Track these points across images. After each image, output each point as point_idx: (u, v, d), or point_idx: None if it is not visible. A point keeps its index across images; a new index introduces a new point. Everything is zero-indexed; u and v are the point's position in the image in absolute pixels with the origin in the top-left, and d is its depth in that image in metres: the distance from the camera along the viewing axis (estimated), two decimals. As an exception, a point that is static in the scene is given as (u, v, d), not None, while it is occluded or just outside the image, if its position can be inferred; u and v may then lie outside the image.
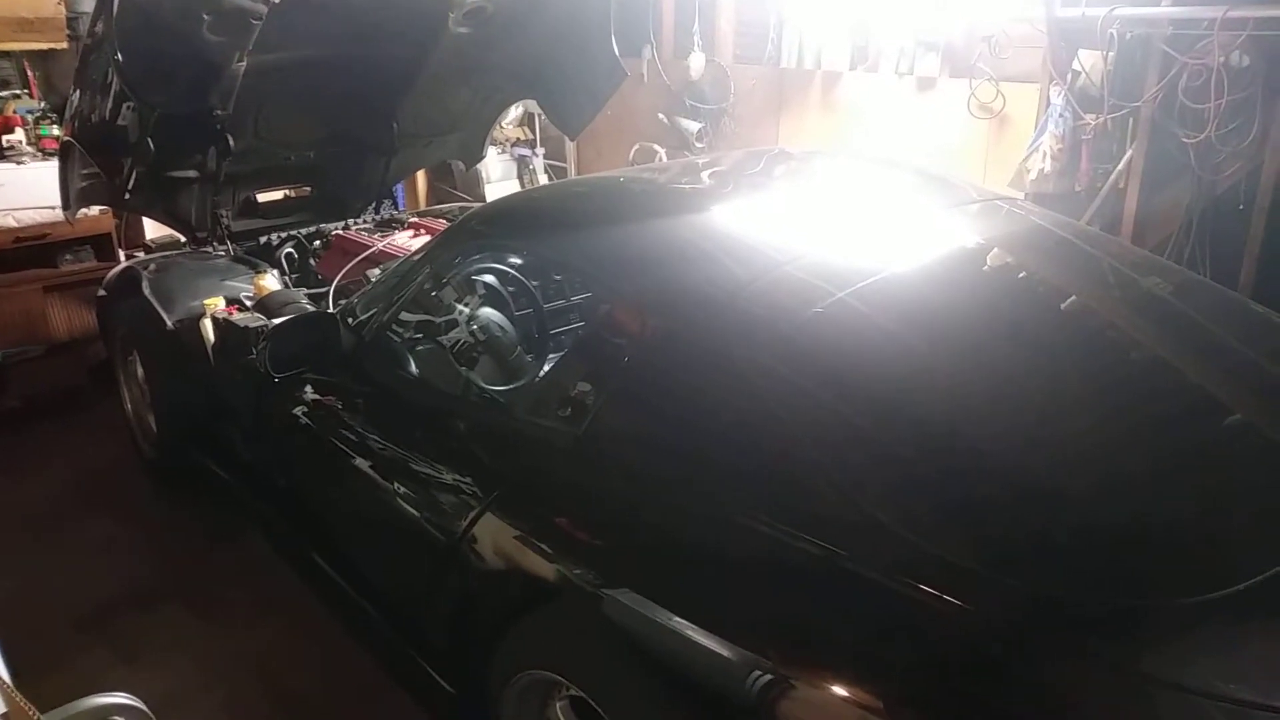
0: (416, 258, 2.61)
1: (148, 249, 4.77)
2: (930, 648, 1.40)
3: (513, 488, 1.93)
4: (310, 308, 3.22)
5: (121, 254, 4.76)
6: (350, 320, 2.61)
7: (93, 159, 3.33)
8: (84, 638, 2.77)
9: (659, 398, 1.84)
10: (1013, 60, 4.08)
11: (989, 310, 2.00)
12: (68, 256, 4.52)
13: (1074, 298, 2.18)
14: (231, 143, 3.63)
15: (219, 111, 3.40)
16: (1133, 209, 3.83)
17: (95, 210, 4.40)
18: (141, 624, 2.84)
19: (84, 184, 3.64)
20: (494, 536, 1.90)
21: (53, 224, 4.32)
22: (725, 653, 1.46)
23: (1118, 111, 3.73)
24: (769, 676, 1.41)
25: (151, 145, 3.17)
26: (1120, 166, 3.84)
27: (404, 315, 2.49)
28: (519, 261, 2.66)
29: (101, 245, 4.62)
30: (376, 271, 3.19)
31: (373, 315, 2.54)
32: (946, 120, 4.38)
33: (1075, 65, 3.84)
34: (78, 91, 3.36)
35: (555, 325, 2.80)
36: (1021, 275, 2.23)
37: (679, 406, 1.80)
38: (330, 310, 2.90)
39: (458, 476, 2.06)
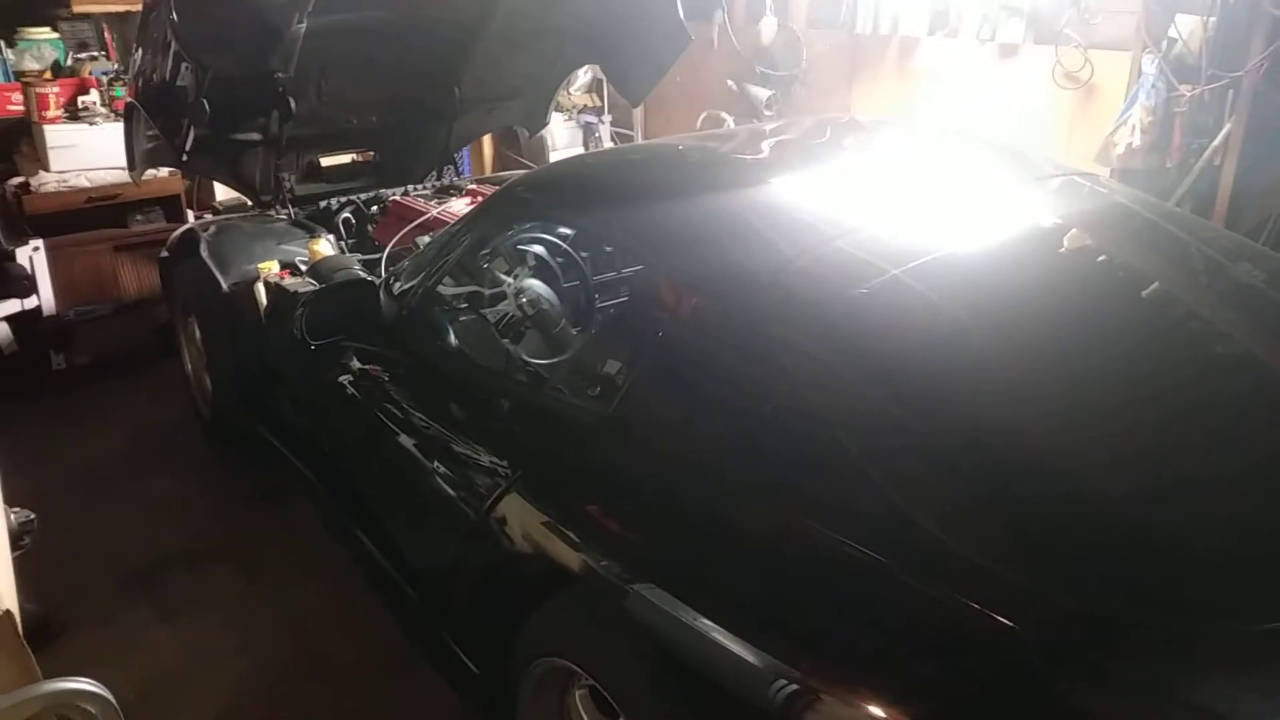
0: (459, 225, 2.55)
1: (216, 211, 4.82)
2: (971, 667, 1.29)
3: (538, 468, 1.86)
4: (362, 274, 3.19)
5: (190, 215, 4.83)
6: (395, 287, 2.57)
7: (152, 119, 3.35)
8: (129, 594, 2.81)
9: (689, 380, 1.74)
10: (1103, 26, 3.82)
11: (1057, 297, 1.85)
12: (138, 217, 4.58)
13: (1154, 285, 2.01)
14: (293, 106, 3.61)
15: (280, 74, 3.37)
16: (1228, 188, 3.58)
17: (164, 172, 4.46)
18: (186, 583, 2.87)
19: (149, 145, 3.67)
20: (519, 517, 1.84)
21: (124, 185, 4.37)
22: (751, 659, 1.37)
23: (1217, 82, 3.47)
24: (796, 688, 1.32)
25: (207, 107, 3.16)
26: (1216, 142, 3.58)
27: (445, 285, 2.43)
28: (567, 231, 2.59)
29: (171, 206, 4.68)
30: (426, 238, 3.14)
31: (414, 284, 2.49)
32: (1029, 90, 4.14)
33: (1171, 31, 3.58)
34: (139, 50, 3.38)
35: (605, 298, 2.71)
36: (1095, 259, 2.06)
37: (709, 390, 1.70)
38: (380, 277, 2.88)
39: (490, 454, 2.00)
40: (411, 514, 2.28)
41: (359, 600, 2.65)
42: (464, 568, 2.01)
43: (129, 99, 3.50)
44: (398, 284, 2.58)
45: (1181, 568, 1.34)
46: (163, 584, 2.87)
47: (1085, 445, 1.51)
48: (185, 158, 3.35)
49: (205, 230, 3.58)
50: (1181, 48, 3.57)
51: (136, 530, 3.12)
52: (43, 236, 4.20)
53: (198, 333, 3.57)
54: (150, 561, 2.96)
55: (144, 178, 3.99)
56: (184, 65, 3.14)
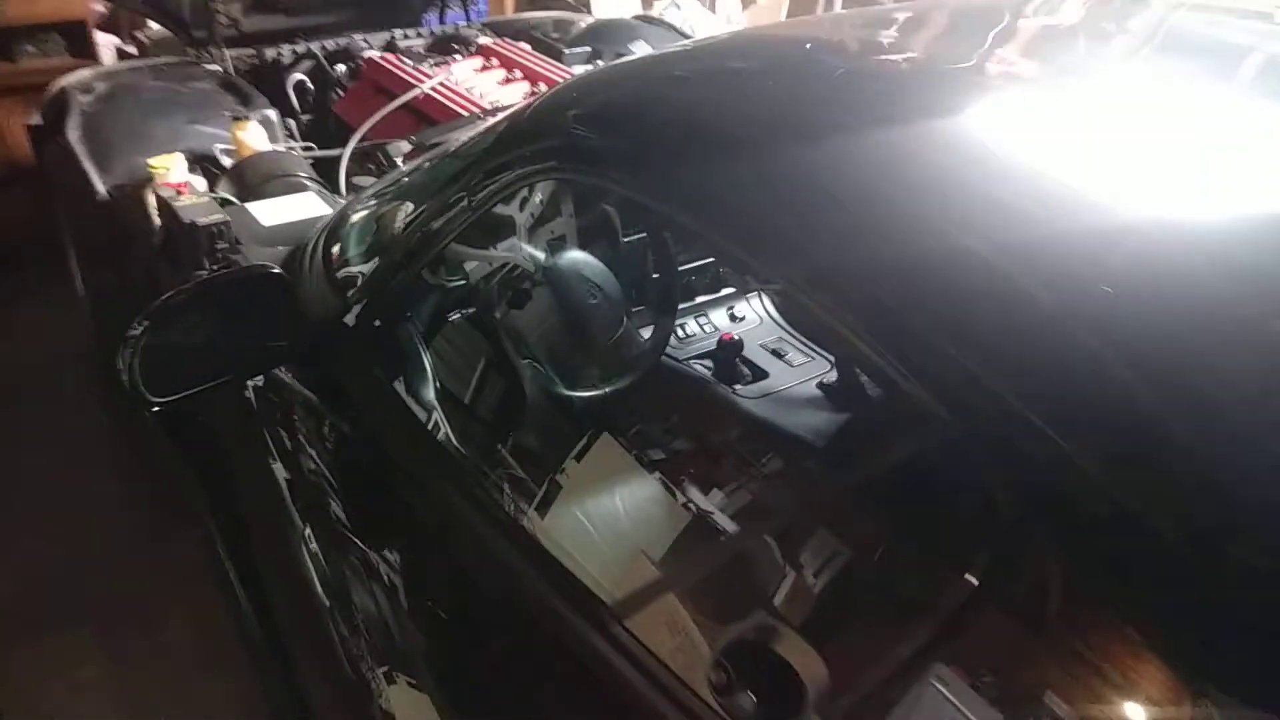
0: (457, 166, 1.38)
1: (141, 47, 3.57)
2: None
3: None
4: (311, 186, 2.05)
5: (107, 50, 3.61)
6: (337, 266, 1.44)
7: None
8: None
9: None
10: None
11: None
12: (28, 48, 3.36)
13: None
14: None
15: None
16: None
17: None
18: (33, 648, 1.89)
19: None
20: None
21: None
22: None
23: None
24: None
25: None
26: None
27: (431, 273, 1.31)
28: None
29: (75, 36, 3.44)
30: (404, 145, 1.99)
31: (380, 262, 1.36)
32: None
33: None
34: None
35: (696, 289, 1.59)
36: None
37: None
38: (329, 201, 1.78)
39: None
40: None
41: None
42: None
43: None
44: (346, 259, 1.45)
45: None
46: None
47: None
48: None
49: (84, 92, 2.40)
50: None
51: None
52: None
53: (72, 253, 2.46)
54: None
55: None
56: None
